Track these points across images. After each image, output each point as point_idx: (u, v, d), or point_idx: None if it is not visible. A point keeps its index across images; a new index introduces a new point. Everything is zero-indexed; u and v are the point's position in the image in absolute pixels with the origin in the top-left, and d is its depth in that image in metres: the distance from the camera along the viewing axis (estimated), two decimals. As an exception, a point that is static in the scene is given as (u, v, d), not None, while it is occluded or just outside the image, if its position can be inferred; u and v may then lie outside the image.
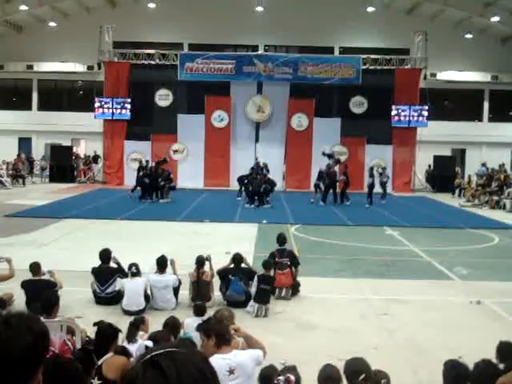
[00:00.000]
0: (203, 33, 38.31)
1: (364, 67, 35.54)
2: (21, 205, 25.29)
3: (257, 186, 27.28)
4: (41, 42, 39.09)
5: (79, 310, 10.59)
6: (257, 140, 36.11)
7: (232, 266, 11.86)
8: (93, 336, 7.00)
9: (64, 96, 42.97)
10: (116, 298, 11.31)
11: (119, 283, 11.44)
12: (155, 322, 8.46)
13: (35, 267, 10.60)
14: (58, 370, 4.13)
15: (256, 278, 11.33)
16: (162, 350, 1.62)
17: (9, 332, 2.13)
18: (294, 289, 12.31)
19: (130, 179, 34.32)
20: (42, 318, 5.52)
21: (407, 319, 10.95)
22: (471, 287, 13.31)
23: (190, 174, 34.95)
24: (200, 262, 11.55)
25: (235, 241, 17.48)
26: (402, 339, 9.90)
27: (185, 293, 11.58)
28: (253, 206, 26.85)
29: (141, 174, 28.87)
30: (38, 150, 41.58)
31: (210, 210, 24.77)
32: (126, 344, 7.22)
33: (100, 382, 5.89)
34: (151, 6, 39.76)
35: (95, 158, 39.89)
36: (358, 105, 36.67)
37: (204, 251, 12.28)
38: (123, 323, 7.90)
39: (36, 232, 19.06)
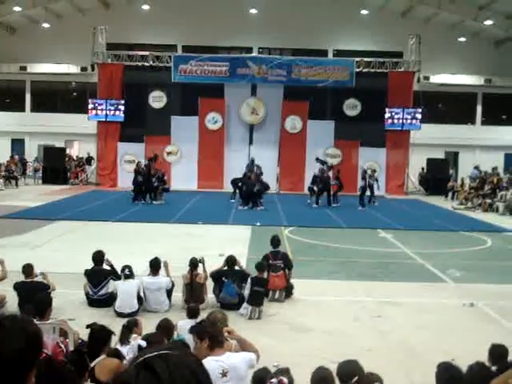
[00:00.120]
0: (197, 35, 38.30)
1: (358, 70, 35.58)
2: (13, 206, 25.23)
3: (251, 186, 27.27)
4: (34, 44, 39.00)
5: (72, 312, 10.56)
6: (251, 142, 36.10)
7: (225, 268, 11.85)
8: (86, 338, 6.98)
9: (57, 97, 42.89)
10: (109, 300, 11.29)
11: (112, 285, 11.42)
12: (148, 324, 8.44)
13: (28, 269, 10.57)
14: (50, 373, 4.12)
15: (249, 281, 11.32)
16: (155, 353, 1.61)
17: (2, 334, 2.12)
18: (288, 291, 12.31)
19: (123, 181, 34.32)
20: (34, 320, 5.51)
21: (400, 321, 10.96)
22: (464, 290, 13.34)
23: (183, 176, 34.91)
24: (193, 264, 11.53)
25: (229, 243, 17.45)
26: (395, 341, 9.91)
27: (178, 295, 11.57)
28: (246, 207, 26.86)
29: (140, 179, 28.58)
30: (31, 152, 41.49)
31: (204, 212, 24.74)
32: (119, 346, 7.21)
33: (93, 384, 5.89)
34: (145, 7, 39.73)
35: (89, 160, 39.83)
36: (352, 107, 36.71)
37: (197, 253, 12.26)
38: (116, 325, 7.90)
39: (29, 233, 19.01)
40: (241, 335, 6.60)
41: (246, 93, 36.24)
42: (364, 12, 39.69)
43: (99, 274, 11.53)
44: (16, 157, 39.49)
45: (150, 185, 28.20)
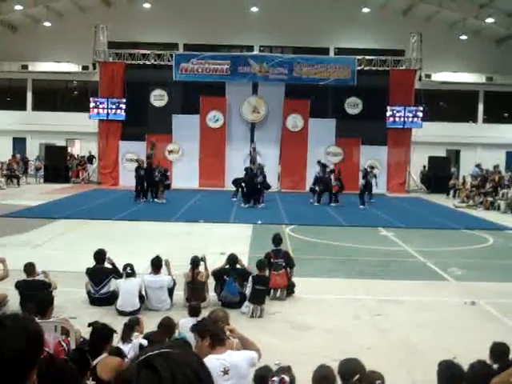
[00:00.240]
0: (198, 33, 38.32)
1: (359, 68, 35.54)
2: (15, 205, 25.25)
3: (254, 176, 27.25)
4: (35, 42, 39.04)
5: (74, 311, 10.57)
6: (252, 140, 36.06)
7: (227, 266, 11.85)
8: (87, 337, 6.99)
9: (59, 96, 42.98)
10: (110, 299, 11.29)
11: (114, 284, 11.43)
12: (150, 323, 8.45)
13: (30, 267, 10.58)
14: (52, 371, 4.12)
15: (251, 279, 11.32)
16: (156, 351, 1.62)
17: (3, 333, 2.12)
18: (289, 289, 12.32)
19: (124, 180, 34.35)
20: (36, 319, 5.52)
21: (401, 320, 10.97)
22: (465, 288, 13.33)
23: (184, 175, 34.90)
24: (195, 262, 11.53)
25: (230, 241, 17.46)
26: (396, 340, 9.92)
27: (180, 293, 11.57)
28: (247, 205, 26.87)
29: (141, 173, 28.53)
30: (33, 150, 41.54)
31: (205, 211, 24.75)
32: (120, 345, 7.22)
33: (94, 382, 5.89)
34: (146, 6, 39.74)
35: (90, 159, 39.87)
36: (353, 106, 36.68)
37: (199, 252, 12.25)
38: (118, 324, 7.90)
39: (30, 232, 19.01)
40: (242, 333, 6.60)
41: (247, 91, 36.21)
42: (365, 10, 39.69)
43: (101, 273, 11.53)
44: (18, 156, 39.54)
45: (152, 178, 28.08)
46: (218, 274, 11.75)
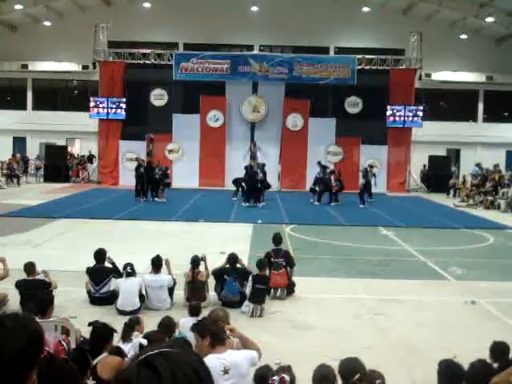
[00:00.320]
0: (198, 32, 38.33)
1: (359, 67, 35.54)
2: (15, 204, 25.25)
3: (254, 174, 27.23)
4: (35, 42, 39.04)
5: (74, 310, 10.57)
6: (252, 140, 36.06)
7: (227, 266, 11.85)
8: (88, 336, 6.99)
9: (59, 96, 42.98)
10: (111, 298, 11.30)
11: (114, 283, 11.43)
12: (150, 322, 8.45)
13: (30, 267, 10.58)
14: (52, 370, 4.12)
15: (251, 278, 11.32)
16: (156, 350, 1.62)
17: (3, 333, 2.12)
18: (290, 289, 12.32)
19: (125, 179, 34.36)
20: (36, 318, 5.52)
21: (402, 319, 10.97)
22: (466, 287, 13.34)
23: (185, 174, 34.92)
24: (195, 261, 11.53)
25: (230, 241, 17.47)
26: (396, 339, 9.92)
27: (180, 293, 11.57)
28: (248, 204, 26.88)
29: (141, 170, 28.54)
30: (33, 150, 41.56)
31: (205, 210, 24.76)
32: (120, 344, 7.22)
33: (94, 382, 5.89)
34: (146, 5, 39.75)
35: (90, 158, 39.87)
36: (353, 105, 36.70)
37: (199, 251, 12.25)
38: (118, 323, 7.90)
39: (31, 232, 19.01)
40: (243, 333, 6.61)
41: (247, 90, 36.21)
42: (365, 9, 39.70)
43: (101, 272, 11.53)
44: (18, 155, 39.55)
45: (152, 176, 28.06)
46: (219, 274, 11.75)
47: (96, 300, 11.41)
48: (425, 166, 38.04)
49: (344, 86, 35.89)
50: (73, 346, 6.98)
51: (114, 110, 36.00)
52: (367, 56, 36.06)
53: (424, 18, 39.04)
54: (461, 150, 41.99)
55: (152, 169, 28.31)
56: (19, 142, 42.23)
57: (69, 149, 40.56)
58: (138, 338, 7.29)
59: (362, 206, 27.72)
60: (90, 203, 26.38)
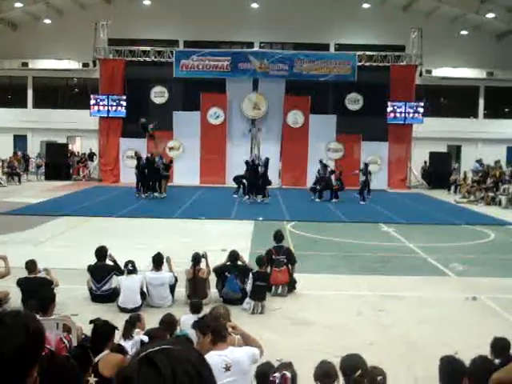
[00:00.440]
0: (198, 30, 38.32)
1: (359, 64, 35.52)
2: (16, 202, 25.27)
3: (256, 168, 27.23)
4: (36, 40, 39.05)
5: (75, 308, 10.59)
6: (253, 137, 36.05)
7: (228, 263, 11.85)
8: (89, 334, 7.00)
9: (59, 93, 42.99)
10: (112, 296, 11.31)
11: (115, 281, 11.44)
12: (151, 320, 8.45)
13: (31, 265, 10.60)
14: (54, 368, 4.13)
15: (251, 276, 11.32)
16: (157, 347, 1.62)
17: (4, 331, 2.13)
18: (291, 286, 12.32)
19: (125, 177, 34.40)
20: (37, 316, 5.53)
21: (403, 315, 10.97)
22: (467, 283, 13.34)
23: (185, 171, 34.93)
24: (196, 259, 11.54)
25: (231, 238, 17.46)
26: (397, 335, 9.92)
27: (181, 290, 11.58)
28: (250, 198, 26.90)
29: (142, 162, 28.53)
30: (34, 148, 41.59)
31: (206, 207, 24.75)
32: (122, 342, 7.23)
33: (96, 379, 5.90)
34: (146, 2, 39.77)
35: (91, 156, 39.88)
36: (354, 101, 36.67)
37: (200, 248, 12.27)
38: (119, 321, 7.91)
39: (32, 230, 19.03)
40: (244, 330, 6.61)
41: (247, 87, 36.20)
42: (365, 6, 39.68)
43: (102, 270, 11.55)
44: (19, 153, 39.58)
45: (153, 166, 28.03)
46: (220, 271, 11.75)
47: (97, 297, 11.42)
48: (425, 162, 38.02)
49: (344, 83, 35.88)
50: (74, 343, 6.99)
51: (114, 108, 36.01)
52: (367, 52, 36.05)
53: (424, 14, 39.02)
54: (461, 146, 41.99)
55: (153, 162, 28.26)
56: (20, 140, 42.28)
57: (69, 147, 40.56)
58: (139, 336, 7.29)
59: (362, 202, 27.75)
60: (91, 201, 26.39)
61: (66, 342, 6.83)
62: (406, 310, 11.29)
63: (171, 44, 38.21)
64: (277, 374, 5.41)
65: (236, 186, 29.00)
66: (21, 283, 10.37)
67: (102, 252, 11.66)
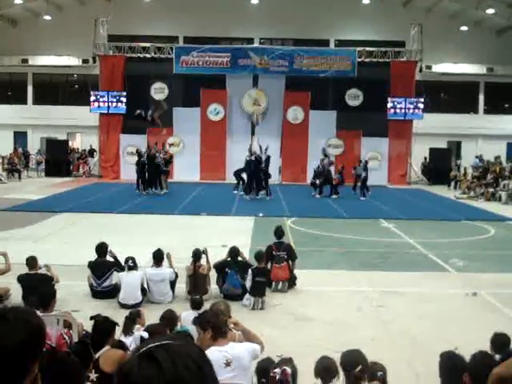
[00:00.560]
0: (198, 26, 38.25)
1: (359, 60, 35.50)
2: (16, 199, 25.27)
3: (259, 164, 27.22)
4: (35, 36, 39.00)
5: (76, 304, 10.60)
6: (253, 133, 35.98)
7: (229, 259, 11.86)
8: (90, 330, 7.01)
9: (59, 90, 42.94)
10: (113, 292, 11.32)
11: (116, 277, 11.45)
12: (152, 316, 8.46)
13: (32, 261, 10.61)
14: (55, 364, 4.14)
15: (250, 272, 11.32)
16: (157, 343, 1.62)
17: (5, 327, 2.13)
18: (291, 282, 12.33)
19: (126, 173, 34.38)
20: (38, 312, 5.53)
21: (403, 311, 10.98)
22: (467, 279, 13.34)
23: (186, 168, 34.92)
24: (196, 255, 11.55)
25: (232, 234, 17.48)
26: (397, 331, 9.93)
27: (181, 286, 11.59)
28: (249, 196, 26.89)
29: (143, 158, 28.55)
30: (34, 144, 41.56)
31: (207, 204, 24.75)
32: (122, 338, 7.24)
33: (97, 375, 5.91)
34: (146, -2, 39.71)
35: (91, 152, 39.88)
36: (354, 97, 36.62)
37: (200, 244, 12.28)
38: (120, 317, 7.91)
39: (32, 226, 19.04)
40: (245, 326, 6.62)
41: (247, 84, 36.17)
42: (365, 1, 39.65)
43: (103, 266, 11.56)
44: (19, 150, 39.57)
45: (154, 162, 28.03)
46: (220, 267, 11.76)
47: (98, 294, 11.43)
48: (426, 158, 38.01)
49: (344, 79, 35.85)
50: (75, 339, 7.00)
51: (114, 104, 36.00)
52: (367, 48, 36.02)
53: (424, 9, 38.96)
54: (462, 142, 41.95)
55: (153, 158, 28.25)
56: (20, 137, 42.25)
57: (70, 143, 40.56)
58: (140, 332, 7.31)
59: (362, 198, 27.76)
60: (92, 197, 26.40)
61: (67, 338, 6.85)
62: (406, 306, 11.30)
63: (171, 40, 38.16)
64: (277, 370, 5.42)
65: (236, 181, 29.01)
66: (21, 279, 10.38)
67: (102, 248, 11.68)
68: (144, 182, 28.18)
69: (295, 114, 36.20)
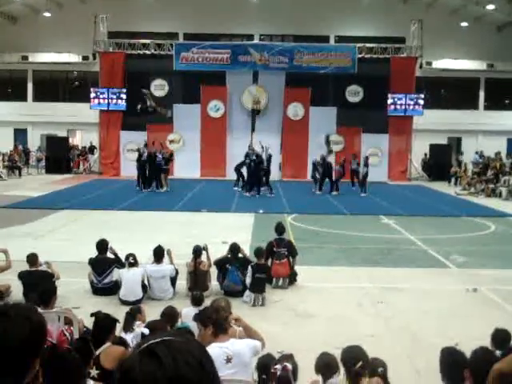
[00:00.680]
0: (198, 22, 38.22)
1: (360, 56, 35.46)
2: (17, 196, 25.29)
3: (260, 162, 27.22)
4: (35, 33, 38.95)
5: (76, 301, 10.60)
6: (253, 130, 36.03)
7: (229, 255, 11.87)
8: (90, 326, 7.02)
9: (59, 87, 42.88)
10: (113, 289, 11.33)
11: (116, 273, 11.45)
12: (153, 312, 8.47)
13: (32, 258, 10.61)
14: (56, 360, 4.14)
15: (250, 268, 11.32)
16: (158, 339, 1.62)
17: (7, 323, 2.14)
18: (292, 278, 12.34)
19: (126, 170, 34.39)
20: (39, 309, 5.54)
21: (403, 307, 10.98)
22: (467, 275, 13.35)
23: (186, 164, 34.93)
24: (197, 251, 11.56)
25: (232, 230, 17.47)
26: (398, 327, 9.94)
27: (182, 283, 11.60)
28: (249, 193, 26.90)
29: (144, 157, 28.57)
30: (34, 141, 41.54)
31: (207, 200, 24.74)
32: (123, 334, 7.24)
33: (98, 371, 5.92)
34: (146, -5, 39.64)
35: (91, 149, 39.86)
36: (354, 94, 36.62)
37: (201, 241, 12.28)
38: (121, 313, 7.92)
39: (33, 223, 19.04)
40: (247, 323, 6.63)
41: (247, 80, 36.15)
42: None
43: (103, 263, 11.57)
44: (19, 147, 39.57)
45: (154, 162, 28.05)
46: (221, 264, 11.77)
47: (99, 290, 11.44)
48: (426, 154, 37.99)
49: (345, 75, 35.82)
50: (76, 336, 7.01)
51: (114, 101, 36.00)
52: (368, 44, 35.96)
53: (424, 5, 38.89)
54: (462, 138, 41.91)
55: (154, 157, 28.28)
56: (20, 134, 42.23)
57: (70, 140, 40.52)
58: (140, 328, 7.32)
59: (363, 194, 27.75)
60: (92, 194, 26.41)
61: (68, 334, 6.86)
62: (406, 302, 11.30)
63: (171, 37, 38.15)
64: (278, 366, 5.43)
65: (236, 177, 29.03)
66: (22, 276, 10.39)
67: (102, 245, 11.68)
68: (144, 181, 28.20)
69: (295, 110, 36.19)
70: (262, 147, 28.22)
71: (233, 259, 11.75)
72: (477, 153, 36.70)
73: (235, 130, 36.17)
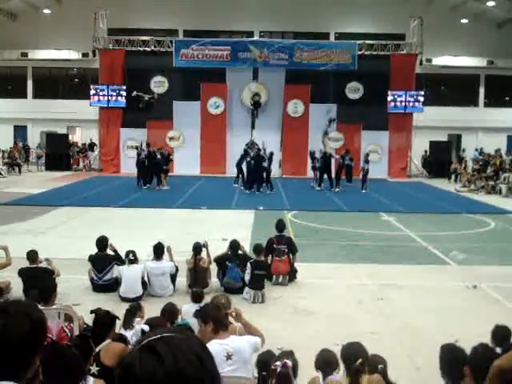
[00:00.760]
0: (198, 19, 38.14)
1: (360, 53, 35.42)
2: (17, 193, 25.29)
3: (261, 161, 27.20)
4: (35, 30, 38.87)
5: (77, 298, 10.62)
6: (253, 127, 36.03)
7: (229, 252, 11.87)
8: (90, 323, 7.02)
9: (59, 84, 42.83)
10: (113, 286, 11.34)
11: (116, 270, 11.46)
12: (153, 309, 8.48)
13: (32, 255, 10.62)
14: (56, 357, 4.15)
15: (249, 265, 11.32)
16: (158, 336, 1.62)
17: (7, 320, 2.14)
18: (292, 275, 12.34)
19: (126, 167, 34.40)
20: (39, 306, 5.54)
21: (404, 304, 10.99)
22: (467, 272, 13.35)
23: (186, 161, 34.92)
24: (197, 248, 11.56)
25: (232, 227, 17.49)
26: (398, 324, 9.94)
27: (182, 279, 11.61)
28: (249, 190, 26.92)
29: (142, 156, 28.58)
30: (34, 138, 41.52)
31: (207, 197, 24.76)
32: (122, 331, 7.25)
33: (98, 368, 5.93)
34: (146, -9, 39.56)
35: (91, 146, 39.86)
36: (354, 91, 36.59)
37: (201, 238, 12.28)
38: (121, 310, 7.92)
39: (33, 220, 19.05)
40: (247, 319, 6.63)
41: (247, 77, 36.14)
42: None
43: (103, 260, 11.57)
44: (19, 144, 39.55)
45: (153, 159, 28.06)
46: (221, 261, 11.77)
47: (99, 287, 11.45)
48: (426, 151, 37.98)
49: (345, 72, 35.79)
50: (76, 333, 7.01)
51: (114, 98, 35.98)
52: (368, 41, 35.94)
53: (424, 2, 38.78)
54: (462, 135, 41.87)
55: (154, 156, 28.29)
56: (20, 131, 42.20)
57: (70, 137, 40.52)
58: (140, 325, 7.32)
59: (363, 191, 27.77)
60: (92, 191, 26.41)
61: (68, 331, 6.84)
62: (406, 299, 11.31)
63: (171, 33, 38.07)
64: (278, 363, 5.43)
65: (236, 174, 29.04)
66: (22, 273, 10.39)
67: (102, 242, 11.69)
68: (144, 178, 28.20)
69: (295, 107, 36.18)
70: (264, 147, 28.27)
71: (233, 256, 11.75)
72: (477, 150, 36.69)
73: (235, 127, 36.16)
